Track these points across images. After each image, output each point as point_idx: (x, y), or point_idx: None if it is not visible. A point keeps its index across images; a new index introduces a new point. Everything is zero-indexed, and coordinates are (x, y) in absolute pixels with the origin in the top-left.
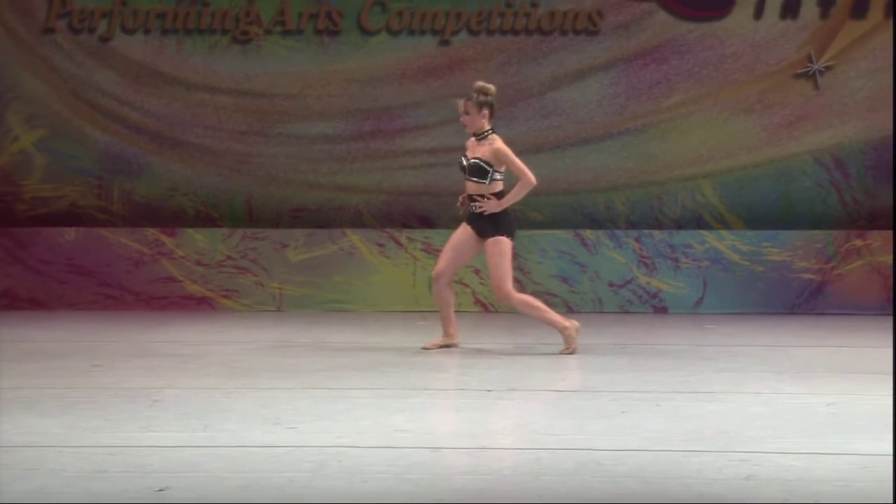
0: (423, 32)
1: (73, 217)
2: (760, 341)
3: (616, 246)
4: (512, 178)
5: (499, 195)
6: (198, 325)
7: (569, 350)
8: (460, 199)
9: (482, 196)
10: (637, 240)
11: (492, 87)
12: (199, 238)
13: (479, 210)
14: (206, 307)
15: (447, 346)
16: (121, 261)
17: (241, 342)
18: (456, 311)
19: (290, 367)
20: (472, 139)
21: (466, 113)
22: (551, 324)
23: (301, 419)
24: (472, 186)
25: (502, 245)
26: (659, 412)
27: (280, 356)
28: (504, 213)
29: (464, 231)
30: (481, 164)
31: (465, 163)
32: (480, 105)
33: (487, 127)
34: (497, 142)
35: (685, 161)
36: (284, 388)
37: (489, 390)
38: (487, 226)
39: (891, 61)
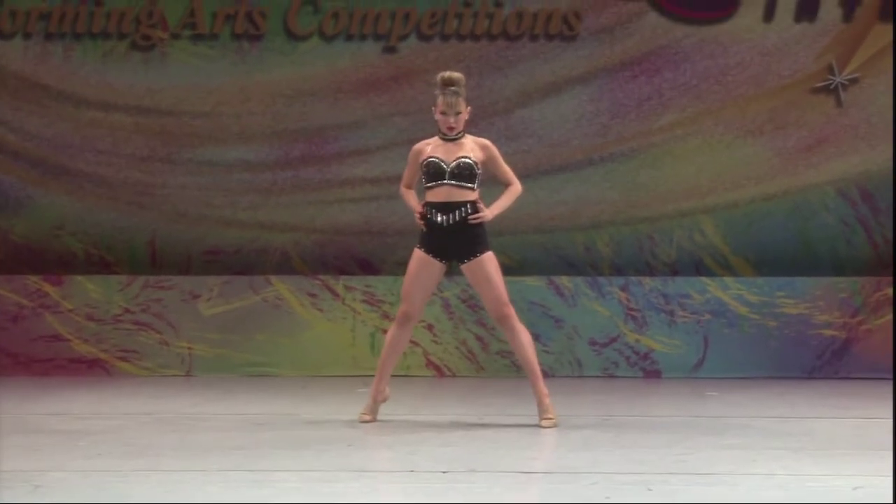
0: (363, 37)
1: None
2: (773, 412)
3: (598, 296)
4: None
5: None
6: (89, 394)
7: (551, 422)
8: (418, 213)
9: (472, 203)
10: (624, 288)
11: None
12: (90, 287)
13: (475, 221)
14: (100, 371)
15: (383, 402)
16: None
17: (141, 414)
18: (404, 376)
19: (200, 444)
20: (437, 140)
21: (458, 112)
22: (535, 383)
23: None
24: (454, 193)
25: (494, 258)
26: (651, 498)
27: (189, 431)
28: (482, 224)
29: (423, 260)
30: (472, 163)
31: (445, 166)
32: (466, 100)
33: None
34: (481, 139)
35: (681, 193)
36: (194, 470)
37: (444, 472)
38: (475, 241)
39: None
